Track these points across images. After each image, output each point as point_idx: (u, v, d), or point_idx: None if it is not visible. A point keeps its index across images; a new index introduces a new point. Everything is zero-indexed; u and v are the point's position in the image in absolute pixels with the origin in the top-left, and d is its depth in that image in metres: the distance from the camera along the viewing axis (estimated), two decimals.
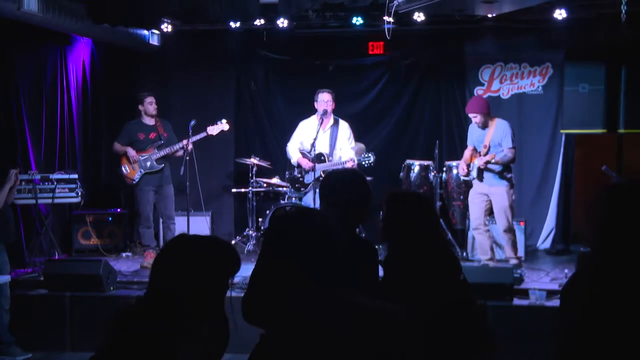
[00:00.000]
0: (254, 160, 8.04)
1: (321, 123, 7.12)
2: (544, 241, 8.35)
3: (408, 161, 7.92)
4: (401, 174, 7.90)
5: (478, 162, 6.60)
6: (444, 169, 7.81)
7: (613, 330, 1.75)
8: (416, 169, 7.83)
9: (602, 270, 1.83)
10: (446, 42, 8.61)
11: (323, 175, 7.02)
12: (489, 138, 6.62)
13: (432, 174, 7.78)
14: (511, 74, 8.53)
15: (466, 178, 6.94)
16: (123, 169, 7.44)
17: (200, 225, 8.05)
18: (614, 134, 7.90)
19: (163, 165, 7.43)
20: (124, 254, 8.07)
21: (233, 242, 8.37)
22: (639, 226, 1.77)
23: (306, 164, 7.16)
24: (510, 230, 6.68)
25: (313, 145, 6.96)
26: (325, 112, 7.05)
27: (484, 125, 6.67)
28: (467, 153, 6.89)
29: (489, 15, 7.47)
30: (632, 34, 6.99)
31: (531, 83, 8.45)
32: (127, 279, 6.76)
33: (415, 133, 8.77)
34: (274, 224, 1.87)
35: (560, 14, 7.34)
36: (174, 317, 1.92)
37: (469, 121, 8.68)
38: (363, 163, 7.03)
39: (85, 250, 8.05)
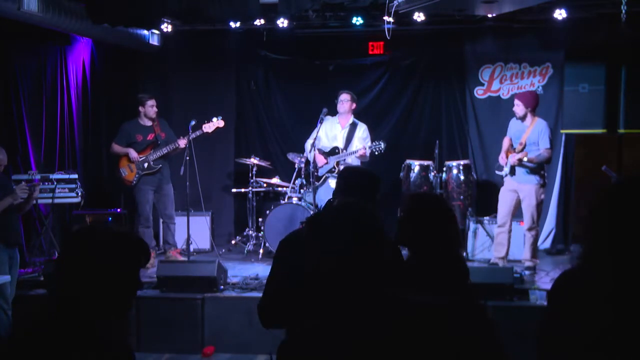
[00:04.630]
0: (254, 160, 8.05)
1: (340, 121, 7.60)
2: (544, 241, 8.34)
3: (408, 161, 7.91)
4: (401, 174, 7.90)
5: (511, 159, 6.69)
6: (444, 169, 7.81)
7: (596, 333, 1.72)
8: (416, 169, 7.82)
9: (592, 270, 1.79)
10: (446, 42, 8.60)
11: (336, 166, 7.26)
12: (527, 135, 6.72)
13: (432, 174, 7.77)
14: (511, 74, 8.52)
15: (500, 173, 6.99)
16: (122, 171, 7.49)
17: (200, 225, 8.06)
18: (614, 134, 7.90)
19: (161, 165, 7.46)
20: None
21: (233, 242, 8.38)
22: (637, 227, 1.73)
23: (320, 160, 7.46)
24: (533, 229, 6.76)
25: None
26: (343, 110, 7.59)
27: (522, 119, 6.76)
28: (505, 143, 6.95)
29: (489, 15, 7.46)
30: (632, 34, 6.99)
31: (531, 83, 8.44)
32: None
33: (415, 133, 8.77)
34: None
35: (560, 14, 7.35)
36: (82, 321, 1.89)
37: (469, 121, 8.71)
38: (374, 151, 7.16)
39: None
